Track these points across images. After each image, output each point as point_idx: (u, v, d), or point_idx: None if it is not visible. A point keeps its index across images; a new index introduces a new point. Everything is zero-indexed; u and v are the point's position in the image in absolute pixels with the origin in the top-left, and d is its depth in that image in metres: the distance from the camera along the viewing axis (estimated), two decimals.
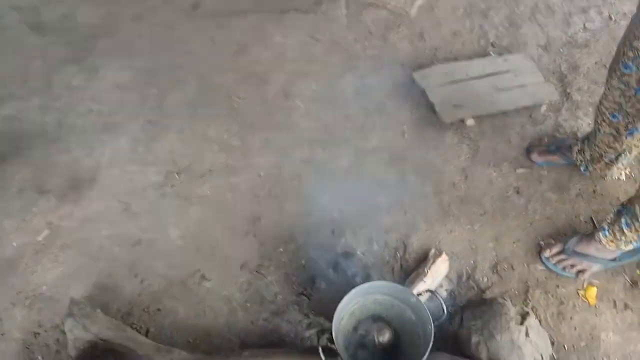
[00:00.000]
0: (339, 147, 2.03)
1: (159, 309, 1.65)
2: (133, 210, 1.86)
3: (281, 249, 1.78)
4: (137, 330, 1.58)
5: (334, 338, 1.33)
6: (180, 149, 2.01)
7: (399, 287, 1.43)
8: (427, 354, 1.29)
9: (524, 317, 1.47)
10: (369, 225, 1.83)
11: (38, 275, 1.71)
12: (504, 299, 1.54)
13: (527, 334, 1.43)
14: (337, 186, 1.92)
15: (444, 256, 1.70)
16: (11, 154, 1.97)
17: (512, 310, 1.48)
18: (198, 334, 1.59)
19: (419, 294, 1.44)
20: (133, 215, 1.85)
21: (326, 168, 1.97)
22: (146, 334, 1.59)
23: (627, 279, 1.73)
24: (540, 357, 1.43)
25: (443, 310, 1.39)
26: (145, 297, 1.68)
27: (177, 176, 1.94)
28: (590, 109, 2.17)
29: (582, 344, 1.60)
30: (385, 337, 1.40)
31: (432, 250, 1.74)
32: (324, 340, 1.40)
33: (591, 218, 1.88)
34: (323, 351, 1.29)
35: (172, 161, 1.98)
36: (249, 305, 1.66)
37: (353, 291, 1.38)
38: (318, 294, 1.64)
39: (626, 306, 1.67)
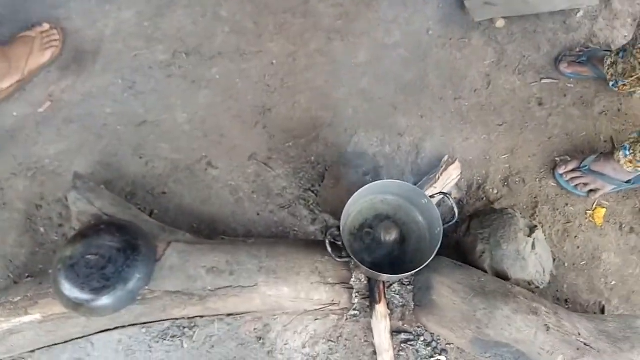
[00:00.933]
0: (358, 39, 1.90)
1: (164, 192, 1.63)
2: (138, 89, 1.77)
3: (291, 143, 1.72)
4: (141, 211, 1.57)
5: (340, 232, 1.32)
6: (189, 26, 1.87)
7: (411, 187, 1.39)
8: (433, 255, 1.29)
9: (532, 229, 1.46)
10: (383, 126, 1.76)
11: (40, 148, 1.66)
12: (514, 210, 1.51)
13: (533, 247, 1.42)
14: (353, 82, 1.82)
15: (456, 163, 1.65)
16: (9, 21, 1.83)
17: (522, 222, 1.47)
18: (203, 220, 1.59)
19: (431, 196, 1.41)
20: (138, 95, 1.76)
21: (343, 61, 1.86)
22: (150, 216, 1.58)
23: (638, 202, 1.71)
24: (542, 270, 1.44)
25: (454, 212, 1.37)
26: (150, 180, 1.65)
27: (184, 56, 1.82)
28: (629, 20, 2.01)
29: (583, 263, 1.61)
30: (391, 235, 1.38)
31: (446, 157, 1.69)
32: (331, 232, 1.39)
33: (611, 138, 1.81)
34: (329, 245, 1.28)
35: (179, 40, 1.85)
36: (255, 196, 1.64)
37: (363, 188, 1.35)
38: (325, 191, 1.62)
39: (632, 230, 1.67)
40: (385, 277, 1.34)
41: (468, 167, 1.73)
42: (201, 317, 1.35)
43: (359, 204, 1.45)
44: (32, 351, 1.38)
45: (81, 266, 1.22)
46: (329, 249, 1.27)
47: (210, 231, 1.56)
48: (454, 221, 1.37)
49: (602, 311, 1.55)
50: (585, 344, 1.23)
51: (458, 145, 1.77)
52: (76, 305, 1.22)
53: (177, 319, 1.34)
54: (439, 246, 1.30)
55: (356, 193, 1.35)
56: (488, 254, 1.43)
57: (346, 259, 1.30)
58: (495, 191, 1.71)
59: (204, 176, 1.66)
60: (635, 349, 1.26)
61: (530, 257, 1.41)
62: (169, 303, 1.28)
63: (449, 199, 1.40)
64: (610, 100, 1.86)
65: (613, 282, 1.59)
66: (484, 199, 1.70)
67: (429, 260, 1.28)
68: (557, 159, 1.76)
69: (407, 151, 1.74)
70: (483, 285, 1.33)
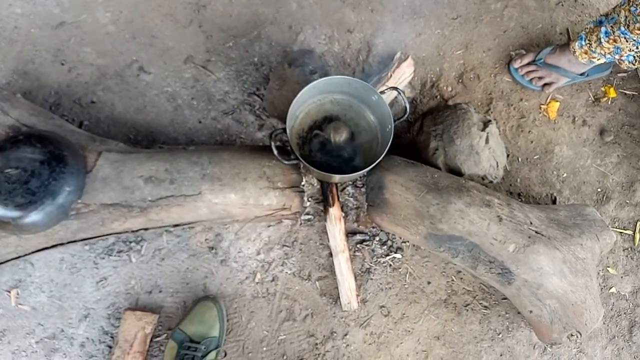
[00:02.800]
0: None
1: (92, 102, 1.48)
2: None
3: (230, 43, 1.57)
4: (67, 122, 1.42)
5: (287, 134, 1.23)
6: None
7: (361, 83, 1.30)
8: (383, 154, 1.23)
9: (486, 124, 1.41)
10: (331, 22, 1.63)
11: None
12: (467, 105, 1.46)
13: (487, 141, 1.38)
14: None
15: (409, 60, 1.56)
16: None
17: (475, 117, 1.42)
18: (139, 130, 1.46)
19: (382, 92, 1.33)
20: None
21: None
22: (79, 127, 1.44)
23: (591, 95, 1.69)
24: (496, 165, 1.42)
25: (406, 108, 1.30)
26: (76, 88, 1.48)
27: None
28: None
29: (536, 157, 1.61)
30: (341, 136, 1.31)
31: (398, 54, 1.59)
32: (276, 140, 1.31)
33: (567, 30, 1.75)
34: (276, 148, 1.20)
35: None
36: (195, 103, 1.51)
37: (309, 86, 1.25)
38: (271, 94, 1.50)
39: (584, 122, 1.66)
40: (336, 177, 1.28)
41: (421, 64, 1.65)
42: (146, 229, 1.27)
43: (307, 105, 1.36)
44: None
45: (1, 181, 1.09)
46: (275, 152, 1.19)
47: (148, 142, 1.44)
48: (406, 117, 1.30)
49: (554, 202, 1.57)
50: (536, 232, 1.24)
51: (411, 41, 1.67)
52: (2, 224, 1.11)
53: (120, 233, 1.25)
54: (389, 143, 1.24)
55: (302, 90, 1.25)
56: (441, 151, 1.39)
57: (294, 162, 1.23)
58: (450, 88, 1.65)
59: (136, 82, 1.50)
60: (584, 234, 1.28)
61: (484, 152, 1.38)
62: (107, 216, 1.19)
63: (399, 92, 1.32)
64: None
65: (564, 174, 1.60)
66: (438, 96, 1.64)
67: (380, 158, 1.22)
68: (512, 53, 1.70)
69: (357, 49, 1.63)
70: (436, 181, 1.30)
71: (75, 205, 1.16)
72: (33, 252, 1.23)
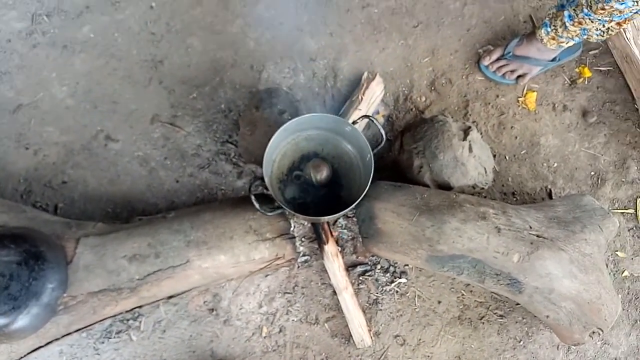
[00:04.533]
0: None
1: (64, 182, 1.43)
2: (0, 69, 1.50)
3: (194, 94, 1.54)
4: (42, 209, 1.38)
5: (266, 183, 1.19)
6: None
7: (331, 117, 1.26)
8: (368, 185, 1.19)
9: (466, 132, 1.38)
10: (292, 54, 1.59)
11: None
12: (445, 115, 1.42)
13: (470, 149, 1.35)
14: (247, 10, 1.62)
15: (377, 78, 1.53)
16: None
17: (454, 127, 1.38)
18: (117, 203, 1.41)
19: (354, 122, 1.29)
20: (2, 76, 1.49)
21: None
22: (55, 212, 1.39)
23: (566, 78, 1.66)
24: (484, 171, 1.38)
25: (382, 135, 1.26)
26: (44, 171, 1.44)
27: (46, 19, 1.54)
28: None
29: (523, 152, 1.57)
30: (322, 174, 1.27)
31: (365, 74, 1.56)
32: (256, 186, 1.27)
33: (530, 17, 1.73)
34: (257, 199, 1.16)
35: (35, 0, 1.56)
36: (169, 162, 1.47)
37: (281, 129, 1.21)
38: (244, 140, 1.46)
39: (565, 107, 1.63)
40: (325, 219, 1.24)
41: (391, 79, 1.62)
42: (140, 307, 1.22)
43: (282, 147, 1.32)
44: None
45: None
46: (257, 206, 1.15)
47: (127, 213, 1.39)
48: (382, 144, 1.27)
49: (550, 195, 1.53)
50: (537, 236, 1.20)
51: (376, 57, 1.63)
52: None
53: (115, 316, 1.21)
54: (372, 174, 1.21)
55: (273, 137, 1.21)
56: (426, 168, 1.35)
57: (279, 211, 1.19)
58: (423, 98, 1.62)
59: (105, 153, 1.46)
60: (587, 227, 1.25)
61: (469, 161, 1.35)
62: (97, 303, 1.14)
63: (373, 121, 1.28)
64: None
65: (555, 164, 1.57)
66: (413, 109, 1.60)
67: (365, 192, 1.18)
68: (479, 50, 1.67)
69: (324, 76, 1.59)
70: (427, 201, 1.26)
71: (62, 300, 1.11)
72: (28, 354, 1.18)
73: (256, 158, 1.41)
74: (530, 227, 1.22)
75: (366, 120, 1.39)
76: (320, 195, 1.30)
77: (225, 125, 1.51)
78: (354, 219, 1.38)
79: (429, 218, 1.22)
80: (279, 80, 1.56)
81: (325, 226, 1.32)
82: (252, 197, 1.15)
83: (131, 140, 1.47)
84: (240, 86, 1.55)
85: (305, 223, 1.35)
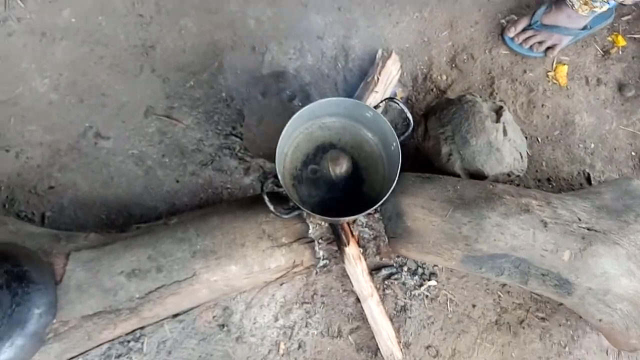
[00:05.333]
0: None
1: (51, 187, 1.28)
2: None
3: (191, 82, 1.38)
4: (28, 219, 1.23)
5: (280, 180, 1.04)
6: None
7: (349, 101, 1.11)
8: (396, 179, 1.05)
9: (498, 112, 1.23)
10: (298, 33, 1.43)
11: None
12: (472, 95, 1.27)
13: (504, 132, 1.20)
14: None
15: (393, 56, 1.37)
16: None
17: (485, 107, 1.23)
18: (111, 208, 1.26)
19: (376, 107, 1.14)
20: None
21: None
22: (42, 221, 1.24)
23: (599, 48, 1.51)
24: (519, 156, 1.24)
25: (408, 118, 1.11)
26: (28, 175, 1.28)
27: (21, 3, 1.37)
28: None
29: (556, 132, 1.43)
30: (341, 167, 1.13)
31: (379, 51, 1.40)
32: (268, 184, 1.12)
33: None
34: (270, 198, 1.01)
35: None
36: (167, 160, 1.32)
37: (294, 117, 1.06)
38: (250, 131, 1.31)
39: (599, 81, 1.48)
40: (347, 219, 1.09)
41: (407, 57, 1.46)
42: (142, 328, 1.08)
43: (294, 139, 1.17)
44: None
45: None
46: (271, 208, 1.00)
47: (123, 220, 1.24)
48: (410, 130, 1.11)
49: (589, 180, 1.39)
50: (588, 229, 1.06)
51: (389, 33, 1.47)
52: None
53: (112, 340, 1.07)
54: (399, 165, 1.06)
55: (286, 126, 1.06)
56: (456, 155, 1.21)
57: (296, 212, 1.04)
58: (444, 77, 1.46)
59: (95, 152, 1.30)
60: None
61: (504, 146, 1.20)
62: (93, 328, 1.00)
63: (397, 103, 1.13)
64: None
65: (592, 145, 1.42)
66: (434, 89, 1.45)
67: (392, 186, 1.03)
68: (502, 21, 1.51)
69: (334, 56, 1.43)
70: (460, 194, 1.12)
71: (52, 327, 0.97)
72: None
73: (264, 151, 1.27)
74: (579, 219, 1.08)
75: (385, 103, 1.23)
76: (340, 191, 1.15)
77: (227, 115, 1.35)
78: (376, 215, 1.23)
79: (464, 213, 1.08)
80: (284, 63, 1.40)
81: (346, 226, 1.18)
82: (265, 198, 1.00)
83: (124, 137, 1.32)
84: (242, 71, 1.39)
85: (323, 223, 1.21)
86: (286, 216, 1.02)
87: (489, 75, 1.47)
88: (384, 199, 1.03)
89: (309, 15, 1.46)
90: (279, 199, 1.09)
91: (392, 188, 1.04)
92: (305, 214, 1.12)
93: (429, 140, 1.27)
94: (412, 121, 1.11)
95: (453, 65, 1.47)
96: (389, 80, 1.36)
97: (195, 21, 1.42)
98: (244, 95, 1.36)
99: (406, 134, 1.11)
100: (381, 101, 1.16)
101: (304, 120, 1.14)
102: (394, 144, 1.09)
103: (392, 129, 1.09)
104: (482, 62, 1.48)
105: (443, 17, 1.50)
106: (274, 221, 1.08)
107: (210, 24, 1.42)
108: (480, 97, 1.28)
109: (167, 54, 1.39)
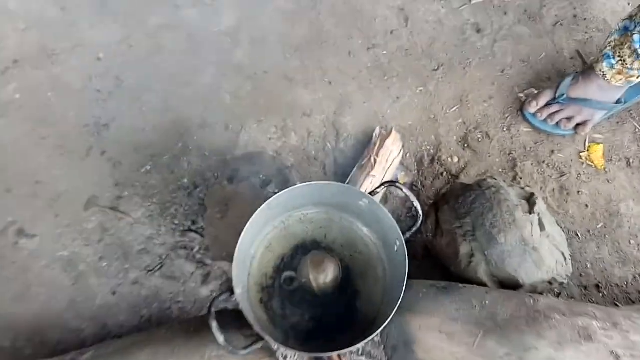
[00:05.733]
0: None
1: None
2: None
3: (148, 167, 1.13)
4: None
5: (237, 297, 0.74)
6: None
7: (338, 185, 0.85)
8: (402, 292, 0.75)
9: (530, 201, 0.96)
10: (280, 109, 1.22)
11: None
12: (495, 179, 1.01)
13: (541, 226, 0.92)
14: (222, 57, 1.26)
15: (394, 134, 1.14)
16: None
17: (512, 193, 0.96)
18: (19, 331, 0.95)
19: (372, 193, 0.87)
20: None
21: (202, 33, 1.29)
22: None
23: (637, 124, 1.27)
24: (562, 257, 0.94)
25: (415, 210, 0.84)
26: None
27: None
28: None
29: (599, 225, 1.14)
30: (327, 275, 0.83)
31: (377, 129, 1.17)
32: (220, 301, 0.82)
33: (578, 52, 1.37)
34: (226, 321, 0.71)
35: None
36: (105, 264, 1.03)
37: (263, 207, 0.79)
38: (213, 226, 1.03)
39: None
40: (334, 354, 0.78)
41: (411, 136, 1.22)
42: None
43: (264, 236, 0.89)
44: None
45: None
46: (219, 338, 0.69)
47: (34, 348, 0.93)
48: (419, 223, 0.84)
49: None
50: None
51: (389, 109, 1.25)
52: None
53: None
54: (406, 271, 0.77)
55: (250, 220, 0.79)
56: (480, 256, 0.91)
57: (259, 344, 0.73)
58: (456, 159, 1.21)
59: (13, 255, 1.02)
60: None
61: (543, 244, 0.91)
62: None
63: (399, 187, 0.86)
64: (560, 7, 1.43)
65: None
66: (444, 173, 1.19)
67: (398, 303, 0.73)
68: (520, 95, 1.29)
69: (322, 135, 1.20)
70: (491, 312, 0.81)
71: None
72: None
73: (229, 251, 0.98)
74: None
75: (384, 189, 0.97)
76: (326, 309, 0.84)
77: (188, 206, 1.08)
78: (377, 339, 0.91)
79: (500, 341, 0.76)
80: (262, 143, 1.16)
81: (335, 359, 0.86)
82: (213, 324, 0.69)
83: (54, 235, 1.04)
84: (212, 153, 1.15)
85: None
86: (244, 352, 0.71)
87: (509, 156, 1.22)
88: (386, 322, 0.73)
89: (296, 90, 1.25)
90: (242, 321, 0.79)
91: (397, 305, 0.74)
92: (275, 347, 0.80)
93: (442, 237, 0.98)
94: (420, 212, 0.83)
95: (465, 146, 1.23)
96: (388, 163, 1.12)
97: (160, 96, 1.21)
98: (210, 182, 1.10)
99: (414, 228, 0.83)
100: (379, 186, 0.89)
101: (279, 210, 0.87)
102: (398, 243, 0.81)
103: (395, 221, 0.81)
104: (499, 142, 1.24)
105: (451, 92, 1.29)
106: (227, 358, 0.76)
107: (177, 99, 1.20)
108: (504, 181, 1.02)
109: (122, 133, 1.16)
